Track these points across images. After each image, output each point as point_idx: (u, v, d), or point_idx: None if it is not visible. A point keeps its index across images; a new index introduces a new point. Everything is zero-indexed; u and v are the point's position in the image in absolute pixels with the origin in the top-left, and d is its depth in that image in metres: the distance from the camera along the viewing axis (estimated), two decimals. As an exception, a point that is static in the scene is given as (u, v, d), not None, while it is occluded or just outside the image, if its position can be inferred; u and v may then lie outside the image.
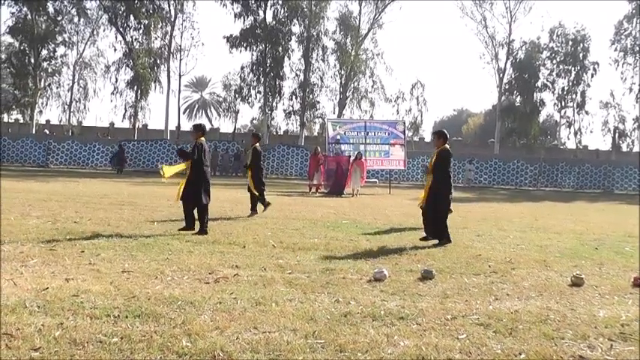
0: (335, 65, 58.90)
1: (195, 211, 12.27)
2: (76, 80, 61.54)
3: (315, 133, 68.93)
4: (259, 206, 16.18)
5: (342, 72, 58.52)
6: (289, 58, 58.37)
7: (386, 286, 7.76)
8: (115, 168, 42.72)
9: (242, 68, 58.02)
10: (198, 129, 12.64)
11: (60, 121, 63.52)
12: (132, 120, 59.22)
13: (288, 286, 7.54)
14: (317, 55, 58.43)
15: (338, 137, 31.39)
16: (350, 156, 28.55)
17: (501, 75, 58.82)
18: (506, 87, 59.40)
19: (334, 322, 6.01)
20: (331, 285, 7.67)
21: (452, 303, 7.01)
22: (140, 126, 62.17)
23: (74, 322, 5.64)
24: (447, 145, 12.15)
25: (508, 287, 8.04)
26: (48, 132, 54.95)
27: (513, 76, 58.85)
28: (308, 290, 7.33)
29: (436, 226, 11.92)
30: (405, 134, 32.84)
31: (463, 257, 10.31)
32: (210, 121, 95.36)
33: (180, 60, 59.01)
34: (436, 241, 11.74)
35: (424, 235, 12.24)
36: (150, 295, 6.74)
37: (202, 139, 12.42)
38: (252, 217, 15.30)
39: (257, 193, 16.00)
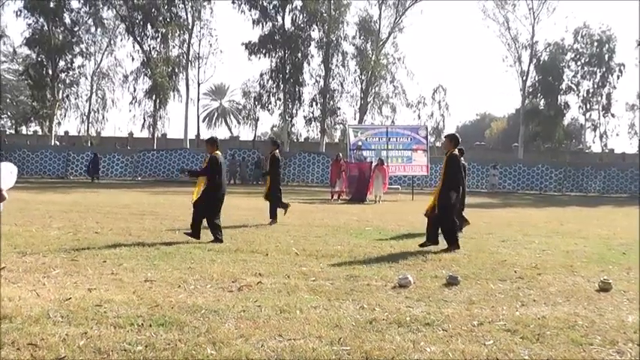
0: (355, 70, 58.78)
1: (205, 222, 12.40)
2: (94, 91, 61.66)
3: (337, 140, 68.81)
4: (279, 212, 16.21)
5: (363, 77, 58.38)
6: (309, 64, 58.38)
7: (411, 292, 7.78)
8: (90, 177, 42.71)
9: (261, 75, 58.11)
10: (213, 142, 12.80)
11: (79, 132, 63.76)
12: (151, 129, 59.36)
13: (312, 293, 7.58)
14: (337, 60, 58.38)
15: (359, 143, 31.39)
16: (372, 162, 28.57)
17: (524, 78, 58.31)
18: (530, 90, 58.87)
19: (359, 329, 6.04)
20: (356, 292, 7.70)
21: (478, 309, 7.01)
22: (159, 135, 62.38)
23: (98, 332, 5.71)
24: (456, 151, 12.02)
25: (535, 293, 8.03)
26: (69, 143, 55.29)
27: (537, 79, 58.24)
28: (332, 297, 7.36)
29: (446, 234, 11.84)
30: (427, 139, 32.77)
31: (488, 263, 10.30)
32: (230, 129, 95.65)
33: (199, 68, 59.10)
34: (444, 247, 11.69)
35: (424, 241, 12.10)
36: (173, 303, 6.80)
37: (217, 152, 12.54)
38: (274, 225, 15.35)
39: (270, 201, 16.14)
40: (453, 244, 11.69)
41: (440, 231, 11.96)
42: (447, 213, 11.74)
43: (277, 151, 16.51)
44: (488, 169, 44.36)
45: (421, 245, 11.89)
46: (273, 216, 15.98)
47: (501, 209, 25.52)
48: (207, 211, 12.27)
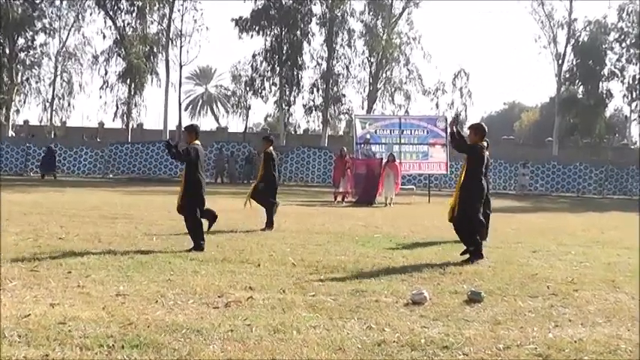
0: (363, 52, 58.91)
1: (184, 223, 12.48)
2: (58, 73, 61.48)
3: (341, 132, 69.06)
4: (256, 211, 16.28)
5: (372, 60, 58.47)
6: (309, 44, 58.58)
7: (426, 310, 7.78)
8: (43, 173, 42.75)
9: (254, 56, 58.32)
10: (192, 131, 12.89)
11: (40, 122, 63.65)
12: (125, 119, 59.43)
13: (311, 310, 7.58)
14: (342, 39, 58.51)
15: (368, 136, 31.33)
16: (382, 158, 28.52)
17: (560, 61, 58.30)
18: (567, 75, 58.80)
19: (366, 353, 6.04)
20: (362, 309, 7.70)
21: (504, 330, 7.01)
22: (135, 126, 62.54)
23: (61, 354, 5.71)
24: (484, 142, 11.99)
25: (570, 312, 8.02)
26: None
27: (575, 63, 58.11)
28: (335, 315, 7.36)
29: (468, 237, 11.81)
30: (446, 132, 32.62)
31: (517, 277, 10.29)
32: (217, 119, 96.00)
33: (181, 47, 59.20)
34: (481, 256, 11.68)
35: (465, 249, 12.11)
36: (149, 321, 6.80)
37: (197, 142, 12.57)
38: (268, 232, 15.35)
39: (258, 202, 16.27)
40: (476, 253, 11.66)
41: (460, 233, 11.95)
42: (472, 210, 11.70)
43: (271, 148, 16.49)
44: (518, 168, 44.43)
45: (463, 254, 11.83)
46: (270, 222, 15.95)
47: (532, 214, 25.53)
48: (186, 208, 12.35)
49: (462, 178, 11.89)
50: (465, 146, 11.85)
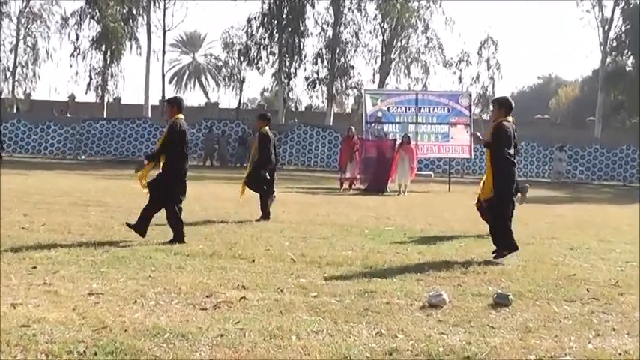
0: (375, 17, 58.70)
1: (164, 213, 12.46)
2: (21, 38, 61.46)
3: (349, 110, 68.92)
4: (251, 200, 16.26)
5: (385, 26, 58.36)
6: (313, 7, 58.40)
7: (445, 314, 7.80)
8: None
9: (249, 21, 58.22)
10: (174, 104, 12.82)
11: (0, 93, 63.63)
12: (99, 92, 59.31)
13: (312, 313, 7.61)
14: (351, 2, 58.32)
15: (379, 114, 31.25)
16: (395, 140, 28.52)
17: (606, 28, 57.77)
18: (613, 44, 58.31)
19: (376, 362, 6.05)
20: (371, 312, 7.72)
21: (536, 339, 7.01)
22: (111, 100, 62.40)
23: (25, 361, 5.72)
24: (509, 118, 11.93)
25: (614, 319, 8.02)
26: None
27: (623, 30, 57.41)
28: (340, 319, 7.38)
29: (497, 231, 11.80)
30: (471, 110, 32.68)
31: (551, 277, 10.30)
32: (206, 93, 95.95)
33: (165, 10, 59.11)
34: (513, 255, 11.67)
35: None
36: (127, 324, 6.82)
37: (180, 116, 12.52)
38: (264, 223, 15.37)
39: (255, 191, 16.26)
40: (508, 246, 11.65)
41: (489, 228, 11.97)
42: (503, 203, 11.69)
43: (267, 127, 16.42)
44: (553, 152, 44.40)
45: (494, 253, 11.76)
46: (265, 212, 15.96)
47: (569, 205, 25.57)
48: (167, 196, 12.33)
49: (492, 159, 11.83)
50: (492, 140, 11.83)
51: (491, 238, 11.99)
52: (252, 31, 58.10)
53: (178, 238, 12.05)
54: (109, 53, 57.19)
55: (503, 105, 11.99)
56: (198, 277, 9.18)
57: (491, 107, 12.33)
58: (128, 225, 12.36)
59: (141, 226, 12.24)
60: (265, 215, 15.89)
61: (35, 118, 48.20)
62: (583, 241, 14.58)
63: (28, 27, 61.70)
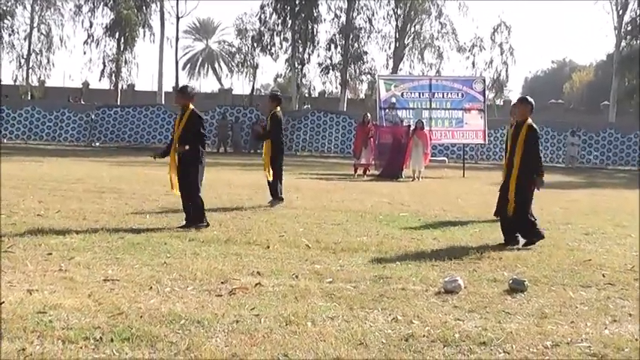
0: (389, 2, 58.53)
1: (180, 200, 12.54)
2: (35, 25, 61.45)
3: (362, 95, 68.73)
4: (272, 196, 16.15)
5: (399, 11, 58.19)
6: (326, -7, 58.27)
7: (461, 300, 7.79)
8: None
9: (262, 7, 58.08)
10: (185, 92, 12.75)
11: (15, 81, 63.50)
12: (113, 79, 59.34)
13: (328, 299, 7.61)
14: (364, -12, 58.23)
15: (393, 100, 31.20)
16: (409, 125, 28.44)
17: (622, 11, 57.27)
18: (629, 28, 57.84)
19: (392, 348, 6.04)
20: (386, 298, 7.71)
21: (552, 325, 6.99)
22: (125, 87, 62.42)
23: (41, 348, 5.73)
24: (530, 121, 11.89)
25: (630, 305, 7.99)
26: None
27: (639, 13, 57.32)
28: (355, 305, 7.37)
29: (522, 224, 11.76)
30: (485, 96, 32.57)
31: (566, 263, 10.27)
32: (220, 80, 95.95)
33: (179, -4, 59.08)
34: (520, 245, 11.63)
35: (504, 241, 12.01)
36: (142, 311, 6.82)
37: (191, 106, 12.52)
38: (278, 208, 15.36)
39: (270, 178, 15.98)
40: (537, 235, 11.68)
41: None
42: (526, 209, 11.69)
43: (279, 108, 16.30)
44: (567, 137, 44.21)
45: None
46: (275, 194, 15.91)
47: (584, 190, 25.47)
48: (193, 185, 12.33)
49: (517, 153, 11.78)
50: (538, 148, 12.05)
51: (503, 232, 11.96)
52: (266, 18, 58.05)
53: (196, 224, 12.06)
54: (122, 40, 57.26)
55: (529, 104, 12.03)
56: (213, 264, 9.18)
57: (514, 105, 12.23)
58: (179, 227, 12.31)
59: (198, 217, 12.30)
60: (277, 197, 15.85)
61: (49, 106, 48.20)
62: (598, 227, 14.54)
63: (41, 14, 61.60)
